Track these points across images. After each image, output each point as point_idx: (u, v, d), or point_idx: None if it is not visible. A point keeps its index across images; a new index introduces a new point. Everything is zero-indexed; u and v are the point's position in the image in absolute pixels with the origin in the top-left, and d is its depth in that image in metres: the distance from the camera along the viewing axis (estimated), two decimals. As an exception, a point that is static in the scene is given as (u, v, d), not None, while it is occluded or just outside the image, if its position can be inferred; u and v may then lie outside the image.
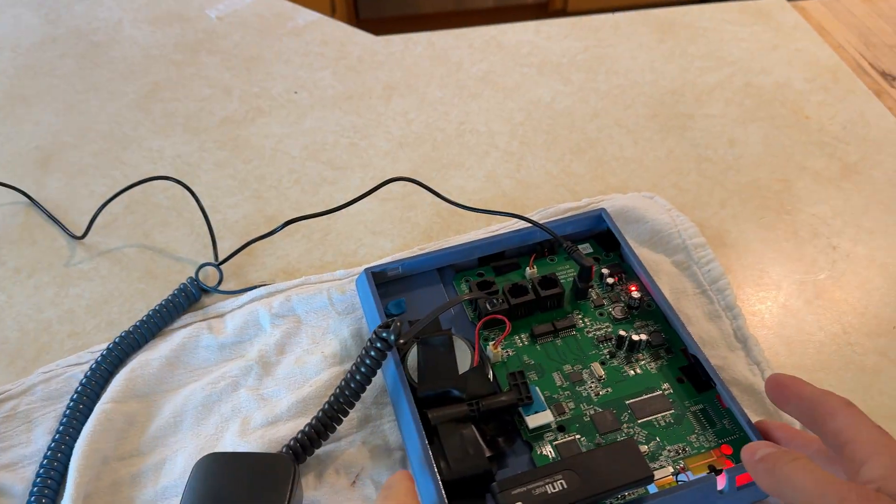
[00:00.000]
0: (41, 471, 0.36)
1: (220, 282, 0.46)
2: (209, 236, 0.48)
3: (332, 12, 1.97)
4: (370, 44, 0.67)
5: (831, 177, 0.53)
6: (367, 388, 0.38)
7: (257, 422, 0.38)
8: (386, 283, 0.44)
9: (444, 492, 0.33)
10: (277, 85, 0.62)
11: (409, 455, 0.37)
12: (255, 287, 0.45)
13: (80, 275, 0.47)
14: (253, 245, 0.48)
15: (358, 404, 0.39)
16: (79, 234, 0.49)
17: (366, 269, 0.43)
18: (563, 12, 2.13)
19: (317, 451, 0.38)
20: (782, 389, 0.33)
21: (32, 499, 0.35)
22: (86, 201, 0.52)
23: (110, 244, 0.49)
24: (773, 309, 0.45)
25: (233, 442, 0.37)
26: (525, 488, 0.32)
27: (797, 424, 0.37)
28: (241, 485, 0.32)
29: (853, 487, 0.26)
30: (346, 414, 0.37)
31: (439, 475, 0.34)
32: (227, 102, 0.60)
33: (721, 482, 0.34)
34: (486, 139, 0.57)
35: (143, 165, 0.55)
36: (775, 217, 0.51)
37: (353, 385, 0.37)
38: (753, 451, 0.30)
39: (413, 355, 0.39)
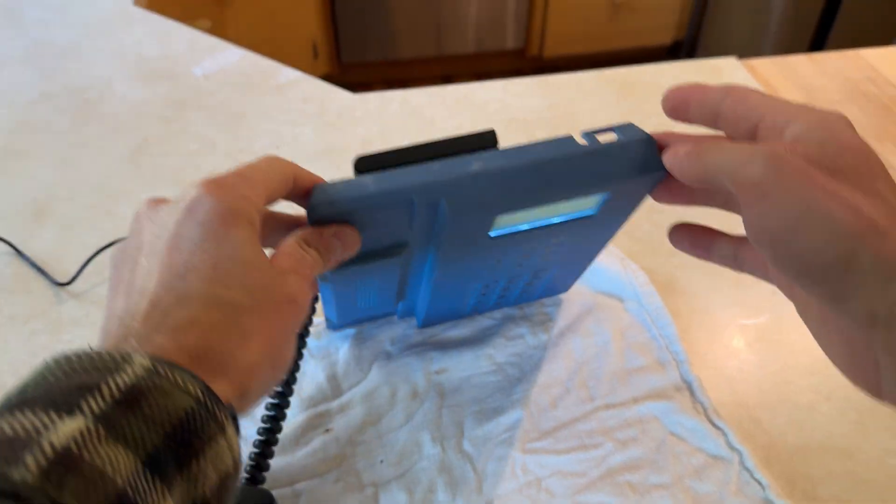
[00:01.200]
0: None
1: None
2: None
3: (315, 56, 2.03)
4: (348, 100, 0.71)
5: (773, 227, 0.58)
6: (337, 422, 0.41)
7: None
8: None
9: None
10: (261, 140, 0.66)
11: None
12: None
13: (72, 321, 0.50)
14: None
15: (332, 443, 0.43)
16: (65, 280, 0.52)
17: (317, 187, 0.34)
18: (539, 59, 2.21)
19: (293, 488, 0.41)
20: (685, 98, 0.32)
21: None
22: (78, 252, 0.55)
23: (101, 292, 0.52)
24: (717, 350, 0.49)
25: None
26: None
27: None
28: None
29: (777, 143, 0.27)
30: (279, 422, 0.41)
31: None
32: (212, 157, 0.64)
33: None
34: (456, 192, 0.61)
35: (131, 218, 0.58)
36: (720, 266, 0.55)
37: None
38: (676, 150, 0.31)
39: None
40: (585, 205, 0.36)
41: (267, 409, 0.41)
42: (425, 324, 0.49)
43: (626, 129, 0.34)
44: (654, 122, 0.67)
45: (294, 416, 0.44)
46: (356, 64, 2.16)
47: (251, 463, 0.40)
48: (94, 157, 0.64)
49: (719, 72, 0.75)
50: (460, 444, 0.43)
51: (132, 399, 0.21)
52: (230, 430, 0.24)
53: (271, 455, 0.41)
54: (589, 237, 0.41)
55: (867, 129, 0.69)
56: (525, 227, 0.36)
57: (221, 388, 0.24)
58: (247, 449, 0.42)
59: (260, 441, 0.40)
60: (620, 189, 0.35)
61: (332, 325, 0.48)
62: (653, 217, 0.59)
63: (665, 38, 2.23)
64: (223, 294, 0.26)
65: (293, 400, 0.45)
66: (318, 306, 0.44)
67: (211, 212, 0.27)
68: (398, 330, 0.49)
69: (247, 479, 0.39)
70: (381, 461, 0.43)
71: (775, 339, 0.50)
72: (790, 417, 0.45)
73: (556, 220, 0.37)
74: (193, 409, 0.22)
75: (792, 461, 0.43)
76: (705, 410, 0.45)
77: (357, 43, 2.12)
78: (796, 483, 0.42)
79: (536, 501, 0.41)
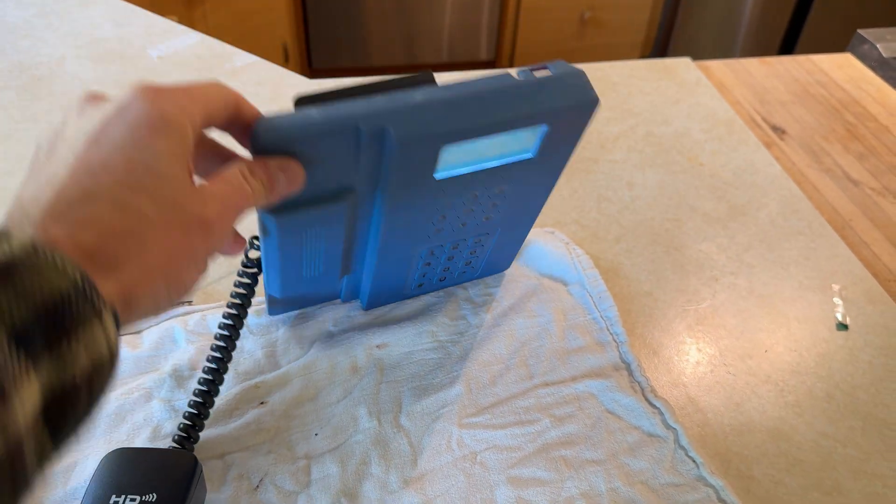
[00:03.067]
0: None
1: (141, 301, 0.48)
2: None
3: (286, 61, 2.03)
4: (304, 85, 0.71)
5: (719, 217, 0.59)
6: (276, 397, 0.41)
7: (167, 430, 0.41)
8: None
9: None
10: (212, 121, 0.65)
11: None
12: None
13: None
14: (176, 267, 0.50)
15: (268, 416, 0.42)
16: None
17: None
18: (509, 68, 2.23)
19: (224, 458, 0.40)
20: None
21: None
22: (16, 224, 0.54)
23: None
24: (656, 333, 0.49)
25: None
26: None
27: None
28: (144, 475, 0.34)
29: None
30: (216, 386, 0.40)
31: None
32: (161, 136, 0.63)
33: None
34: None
35: (74, 192, 0.57)
36: (665, 252, 0.55)
37: (219, 347, 0.41)
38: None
39: None
40: (525, 143, 0.37)
41: (200, 378, 0.41)
42: (370, 305, 0.48)
43: (558, 66, 0.35)
44: (605, 116, 0.68)
45: (229, 389, 0.43)
46: (327, 69, 2.16)
47: (181, 429, 0.39)
48: (40, 132, 0.63)
49: (672, 72, 0.76)
50: (397, 419, 0.43)
51: (4, 272, 0.21)
52: (108, 321, 0.23)
53: (201, 424, 0.40)
54: (530, 187, 0.41)
55: (815, 129, 0.71)
56: (468, 169, 0.37)
57: (106, 288, 0.24)
58: (178, 418, 0.41)
59: (192, 406, 0.39)
60: (556, 123, 0.36)
61: (275, 305, 0.47)
62: (601, 205, 0.59)
63: (633, 53, 2.26)
64: (131, 200, 0.25)
65: (228, 375, 0.44)
66: (260, 284, 0.43)
67: (142, 116, 0.26)
68: (341, 311, 0.49)
69: (174, 444, 0.39)
70: (316, 434, 0.42)
71: (715, 323, 0.50)
72: (727, 399, 0.46)
73: (497, 162, 0.37)
74: (70, 293, 0.22)
75: (727, 441, 0.43)
76: (642, 390, 0.45)
77: (328, 48, 2.12)
78: (731, 462, 0.42)
79: (471, 475, 0.40)
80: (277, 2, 1.90)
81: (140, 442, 0.40)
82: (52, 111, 0.65)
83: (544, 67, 0.35)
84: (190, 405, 0.40)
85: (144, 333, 0.46)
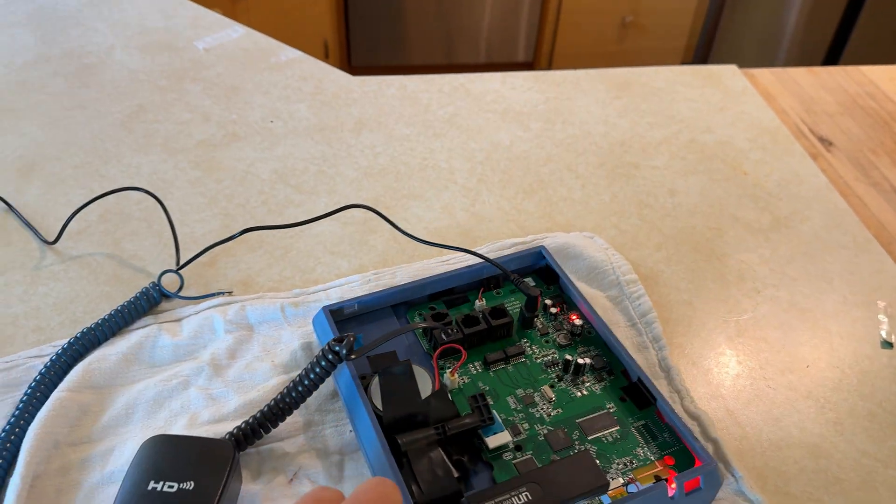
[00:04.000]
0: (-7, 451, 0.38)
1: (180, 288, 0.49)
2: (174, 246, 0.51)
3: (326, 58, 2.04)
4: (346, 82, 0.71)
5: (761, 228, 0.58)
6: (313, 395, 0.41)
7: (204, 418, 0.41)
8: (342, 319, 0.46)
9: None
10: (254, 113, 0.66)
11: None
12: (212, 294, 0.48)
13: (50, 276, 0.50)
14: (215, 257, 0.51)
15: (302, 409, 0.42)
16: (51, 239, 0.52)
17: (324, 308, 0.45)
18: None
19: (259, 449, 0.40)
20: None
21: None
22: (62, 209, 0.55)
23: (81, 250, 0.52)
24: (695, 343, 0.49)
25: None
26: (492, 501, 0.35)
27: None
28: (182, 463, 0.35)
29: None
30: (289, 413, 0.40)
31: (412, 498, 0.36)
32: (205, 126, 0.64)
33: (671, 489, 0.37)
34: (447, 175, 0.61)
35: (120, 179, 0.58)
36: (706, 261, 0.54)
37: (300, 389, 0.40)
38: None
39: (375, 385, 0.41)
40: None
41: (287, 396, 0.40)
42: None
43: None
44: (648, 121, 0.67)
45: (266, 381, 0.43)
46: (366, 67, 2.17)
47: (243, 428, 0.39)
48: (87, 119, 0.64)
49: (718, 79, 0.75)
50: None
51: None
52: None
53: (261, 435, 0.40)
54: None
55: (863, 141, 0.69)
56: None
57: None
58: (214, 406, 0.41)
59: (266, 416, 0.39)
60: None
61: None
62: (641, 211, 0.58)
63: (673, 59, 2.24)
64: None
65: (266, 366, 0.44)
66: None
67: None
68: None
69: (232, 438, 0.39)
70: (351, 431, 0.42)
71: (756, 335, 0.49)
72: (766, 413, 0.45)
73: None
74: None
75: (765, 456, 0.43)
76: (681, 399, 0.44)
77: (368, 46, 2.13)
78: (768, 478, 0.42)
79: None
80: (320, 0, 1.92)
81: (177, 429, 0.40)
82: (101, 99, 0.66)
83: None
84: (265, 414, 0.39)
85: (184, 322, 0.47)
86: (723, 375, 0.47)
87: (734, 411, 0.45)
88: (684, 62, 2.27)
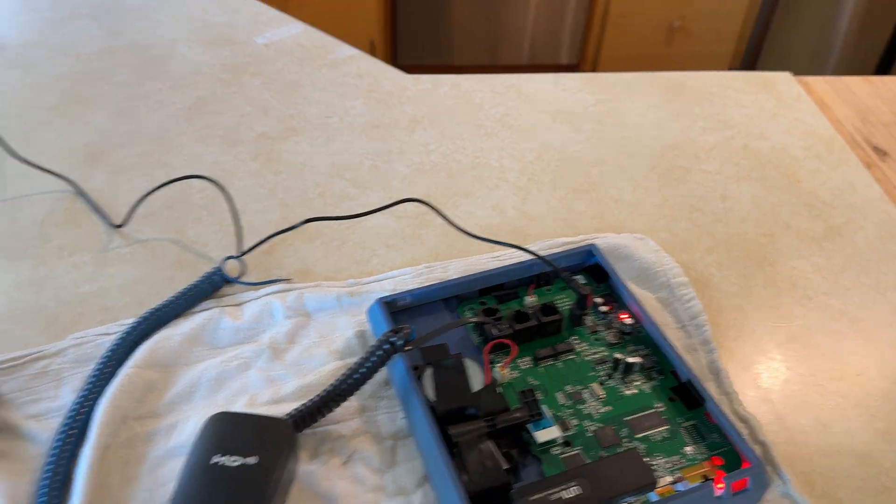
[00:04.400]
0: (67, 421, 0.40)
1: (241, 274, 0.51)
2: (236, 234, 0.53)
3: (372, 54, 2.06)
4: (401, 80, 0.72)
5: (815, 236, 0.57)
6: (368, 383, 0.42)
7: (263, 399, 0.42)
8: (395, 311, 0.48)
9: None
10: (312, 109, 0.67)
11: (430, 468, 0.40)
12: (272, 281, 0.50)
13: (117, 258, 0.52)
14: (275, 246, 0.53)
15: (357, 395, 0.43)
16: (118, 222, 0.54)
17: (378, 299, 0.46)
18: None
19: (315, 430, 0.41)
20: None
21: (57, 445, 0.39)
22: (127, 195, 0.57)
23: (147, 234, 0.54)
24: (746, 347, 0.49)
25: (240, 413, 0.41)
26: (542, 494, 0.36)
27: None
28: (245, 439, 0.36)
29: None
30: (346, 398, 0.41)
31: (462, 488, 0.36)
32: (264, 120, 0.66)
33: (719, 489, 0.37)
34: (497, 173, 0.61)
35: (182, 168, 0.60)
36: (757, 267, 0.54)
37: (356, 376, 0.41)
38: None
39: (428, 377, 0.43)
40: None
41: (347, 379, 0.41)
42: None
43: None
44: (700, 125, 0.67)
45: (323, 364, 0.45)
46: (411, 66, 2.19)
47: (304, 409, 0.40)
48: (151, 109, 0.66)
49: (772, 85, 0.75)
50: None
51: None
52: None
53: (319, 417, 0.41)
54: None
55: (920, 152, 0.68)
56: None
57: None
58: (273, 388, 0.43)
59: (329, 396, 0.40)
60: None
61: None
62: (692, 215, 0.59)
63: (720, 64, 2.22)
64: None
65: (323, 351, 0.46)
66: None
67: None
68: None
69: (291, 418, 0.40)
70: (403, 418, 0.43)
71: (807, 342, 0.49)
72: (815, 419, 0.45)
73: None
74: None
75: (812, 461, 0.43)
76: (730, 401, 0.44)
77: (414, 45, 2.15)
78: (815, 483, 0.42)
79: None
80: (368, -2, 1.94)
81: (237, 408, 0.42)
82: (164, 90, 0.69)
83: None
84: (323, 398, 0.41)
85: (245, 306, 0.48)
86: (772, 380, 0.47)
87: (783, 416, 0.45)
88: (731, 68, 2.24)
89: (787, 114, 0.71)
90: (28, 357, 0.45)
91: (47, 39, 0.75)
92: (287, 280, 0.50)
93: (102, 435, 0.40)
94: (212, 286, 0.49)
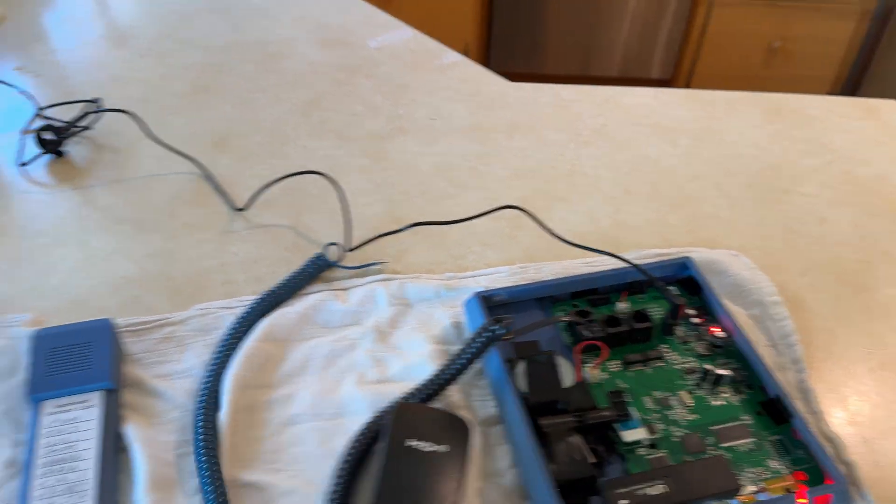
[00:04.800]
0: (205, 386, 0.44)
1: (342, 259, 0.54)
2: (344, 224, 0.57)
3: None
4: (503, 87, 0.75)
5: (913, 266, 0.57)
6: (468, 370, 0.45)
7: (370, 377, 0.46)
8: (491, 306, 0.50)
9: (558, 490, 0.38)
10: (419, 111, 0.71)
11: (519, 455, 0.42)
12: (371, 264, 0.54)
13: (238, 238, 0.56)
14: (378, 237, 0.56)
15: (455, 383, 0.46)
16: (240, 206, 0.59)
17: (476, 293, 0.49)
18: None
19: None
20: None
21: (201, 405, 0.43)
22: (249, 181, 0.62)
23: (265, 219, 0.58)
24: (836, 370, 0.49)
25: (350, 391, 0.45)
26: (629, 488, 0.38)
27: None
28: (435, 428, 0.40)
29: None
30: (450, 383, 0.44)
31: (550, 477, 0.39)
32: (374, 119, 0.69)
33: (801, 503, 0.39)
34: (592, 182, 0.63)
35: (298, 160, 0.64)
36: (852, 293, 0.55)
37: (461, 361, 0.44)
38: None
39: (521, 370, 0.45)
40: None
41: (449, 361, 0.45)
42: None
43: None
44: (800, 148, 0.67)
45: (423, 347, 0.48)
46: (503, 72, 2.21)
47: (435, 385, 0.44)
48: (270, 102, 0.71)
49: (875, 112, 0.74)
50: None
51: None
52: None
53: (432, 397, 0.44)
54: None
55: None
56: None
57: None
58: (379, 367, 0.46)
59: (445, 376, 0.44)
60: None
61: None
62: (787, 236, 0.59)
63: (820, 88, 2.16)
64: None
65: (422, 336, 0.49)
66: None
67: None
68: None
69: (410, 392, 0.43)
70: (494, 407, 0.46)
71: (899, 370, 0.49)
72: (903, 446, 0.45)
73: None
74: None
75: (898, 488, 0.43)
76: (817, 421, 0.45)
77: (507, 52, 2.18)
78: (899, 509, 0.42)
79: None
80: (465, 3, 1.97)
81: (346, 384, 0.45)
82: (281, 85, 0.73)
83: None
84: (434, 381, 0.44)
85: (351, 291, 0.52)
86: (860, 404, 0.47)
87: (870, 440, 0.45)
88: (831, 93, 2.18)
89: (891, 142, 0.70)
90: (155, 323, 0.49)
91: (177, 32, 0.82)
92: (383, 263, 0.54)
93: (231, 402, 0.44)
94: (318, 269, 0.52)
